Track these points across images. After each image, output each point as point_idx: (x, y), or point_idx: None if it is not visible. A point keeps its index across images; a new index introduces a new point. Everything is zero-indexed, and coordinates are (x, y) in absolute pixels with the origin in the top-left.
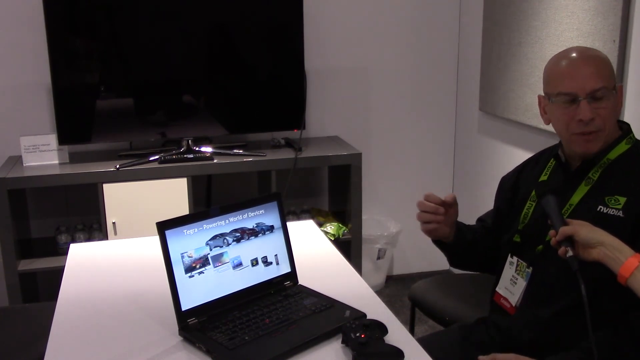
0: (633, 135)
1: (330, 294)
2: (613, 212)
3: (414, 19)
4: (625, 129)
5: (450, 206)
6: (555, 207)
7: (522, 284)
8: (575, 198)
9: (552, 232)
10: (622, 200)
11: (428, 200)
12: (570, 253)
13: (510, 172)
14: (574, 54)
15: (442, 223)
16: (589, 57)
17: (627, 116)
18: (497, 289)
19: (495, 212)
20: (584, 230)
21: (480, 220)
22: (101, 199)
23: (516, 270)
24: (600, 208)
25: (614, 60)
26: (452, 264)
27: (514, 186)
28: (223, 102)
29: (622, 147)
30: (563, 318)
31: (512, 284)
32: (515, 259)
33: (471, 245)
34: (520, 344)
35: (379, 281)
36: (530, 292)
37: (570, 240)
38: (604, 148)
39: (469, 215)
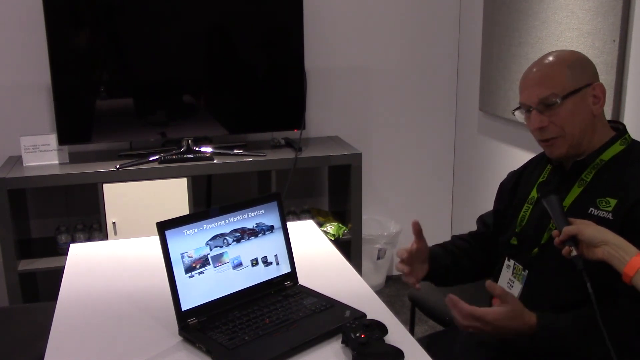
0: (629, 136)
1: (330, 294)
2: (603, 214)
3: (414, 19)
4: (621, 129)
5: (418, 241)
6: (558, 206)
7: (518, 287)
8: (568, 200)
9: (555, 232)
10: (613, 202)
11: (398, 253)
12: (574, 253)
13: (511, 172)
14: (532, 69)
15: (413, 265)
16: (541, 67)
17: (627, 116)
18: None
19: (493, 214)
20: (588, 229)
21: (481, 218)
22: (101, 199)
23: (513, 273)
24: (591, 210)
25: (613, 60)
26: (439, 285)
27: (513, 188)
28: (223, 102)
29: (616, 148)
30: None
31: (508, 287)
32: (512, 262)
33: (453, 267)
34: (519, 345)
35: (379, 281)
36: (526, 295)
37: (574, 240)
38: (598, 149)
39: (468, 215)
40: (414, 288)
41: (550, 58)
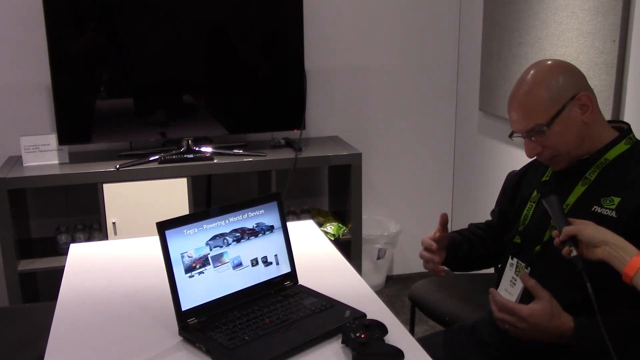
0: (633, 136)
1: (330, 294)
2: (607, 212)
3: (414, 19)
4: (625, 129)
5: (442, 231)
6: (558, 207)
7: (520, 284)
8: (572, 198)
9: (555, 232)
10: (617, 200)
11: (424, 242)
12: (574, 253)
13: (512, 172)
14: (513, 95)
15: (438, 256)
16: (520, 96)
17: (627, 116)
18: (497, 291)
19: (497, 213)
20: (587, 229)
21: (493, 212)
22: (101, 199)
23: (516, 271)
24: (595, 208)
25: (613, 60)
26: (454, 270)
27: (516, 187)
28: (223, 102)
29: (621, 147)
30: None
31: (511, 285)
32: (515, 260)
33: (469, 253)
34: (520, 344)
35: (379, 281)
36: (528, 292)
37: (574, 240)
38: (602, 148)
39: (468, 215)
40: (439, 276)
41: (526, 82)
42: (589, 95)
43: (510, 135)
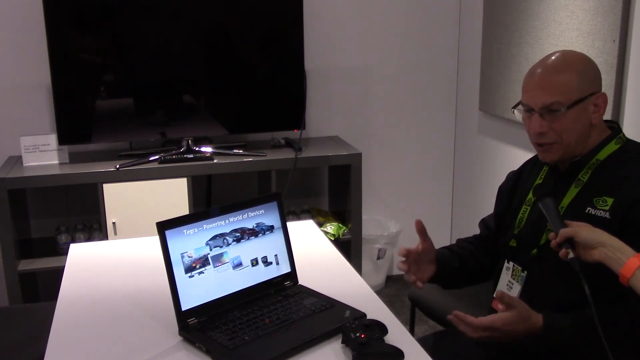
0: (623, 135)
1: (330, 294)
2: (600, 213)
3: (414, 19)
4: (616, 128)
5: (424, 241)
6: (555, 209)
7: (517, 288)
8: (566, 200)
9: (552, 234)
10: (610, 201)
11: (400, 252)
12: (571, 255)
13: (510, 174)
14: (538, 69)
15: (420, 266)
16: (549, 70)
17: (627, 116)
18: (494, 295)
19: (495, 217)
20: (584, 231)
21: (483, 222)
22: (101, 199)
23: (512, 275)
24: (589, 210)
25: (613, 60)
26: (445, 288)
27: (512, 190)
28: (223, 102)
29: (612, 147)
30: None
31: (508, 289)
32: (511, 264)
33: (461, 269)
34: (519, 345)
35: (379, 281)
36: (525, 295)
37: (570, 242)
38: (593, 148)
39: (468, 215)
40: (416, 287)
41: (559, 61)
42: (605, 98)
43: (515, 107)
